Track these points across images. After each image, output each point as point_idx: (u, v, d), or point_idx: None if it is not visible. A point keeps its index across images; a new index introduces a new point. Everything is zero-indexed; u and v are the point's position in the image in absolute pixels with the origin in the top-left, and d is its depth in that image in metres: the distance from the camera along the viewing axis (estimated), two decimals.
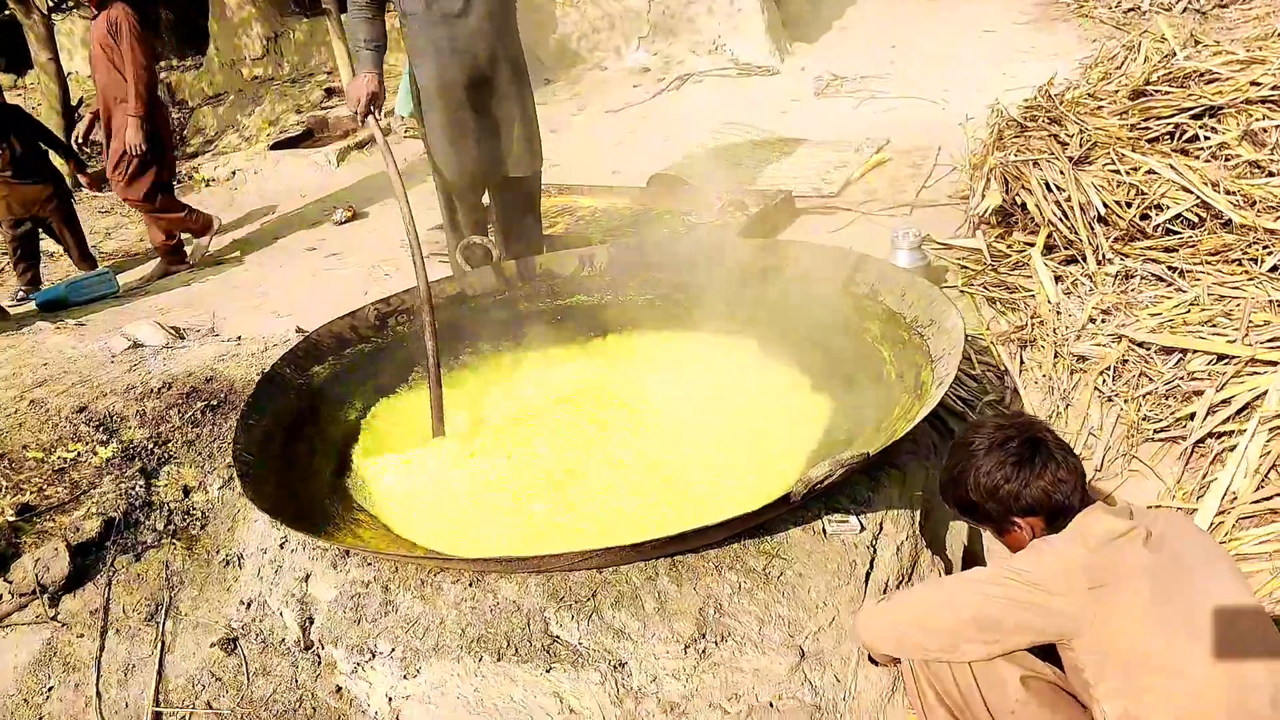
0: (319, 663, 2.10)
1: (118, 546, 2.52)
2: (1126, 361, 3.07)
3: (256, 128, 8.28)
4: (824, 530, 2.14)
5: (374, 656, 2.02)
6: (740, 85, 7.37)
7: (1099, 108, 4.15)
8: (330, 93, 8.37)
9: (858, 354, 2.85)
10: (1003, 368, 3.23)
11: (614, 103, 7.42)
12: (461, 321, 3.34)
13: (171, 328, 3.85)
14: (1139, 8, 7.58)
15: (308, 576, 2.20)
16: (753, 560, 2.06)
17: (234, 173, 6.91)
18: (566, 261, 3.56)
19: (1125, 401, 2.96)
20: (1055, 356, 3.20)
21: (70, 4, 8.21)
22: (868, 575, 2.08)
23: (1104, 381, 3.05)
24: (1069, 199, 3.64)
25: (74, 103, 7.90)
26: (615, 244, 3.67)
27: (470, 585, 2.07)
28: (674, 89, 7.55)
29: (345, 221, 5.65)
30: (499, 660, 1.92)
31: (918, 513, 2.30)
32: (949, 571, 2.30)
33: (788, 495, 1.94)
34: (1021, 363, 3.26)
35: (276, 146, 7.09)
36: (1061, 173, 3.70)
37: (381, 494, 2.63)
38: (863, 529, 2.15)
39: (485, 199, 4.00)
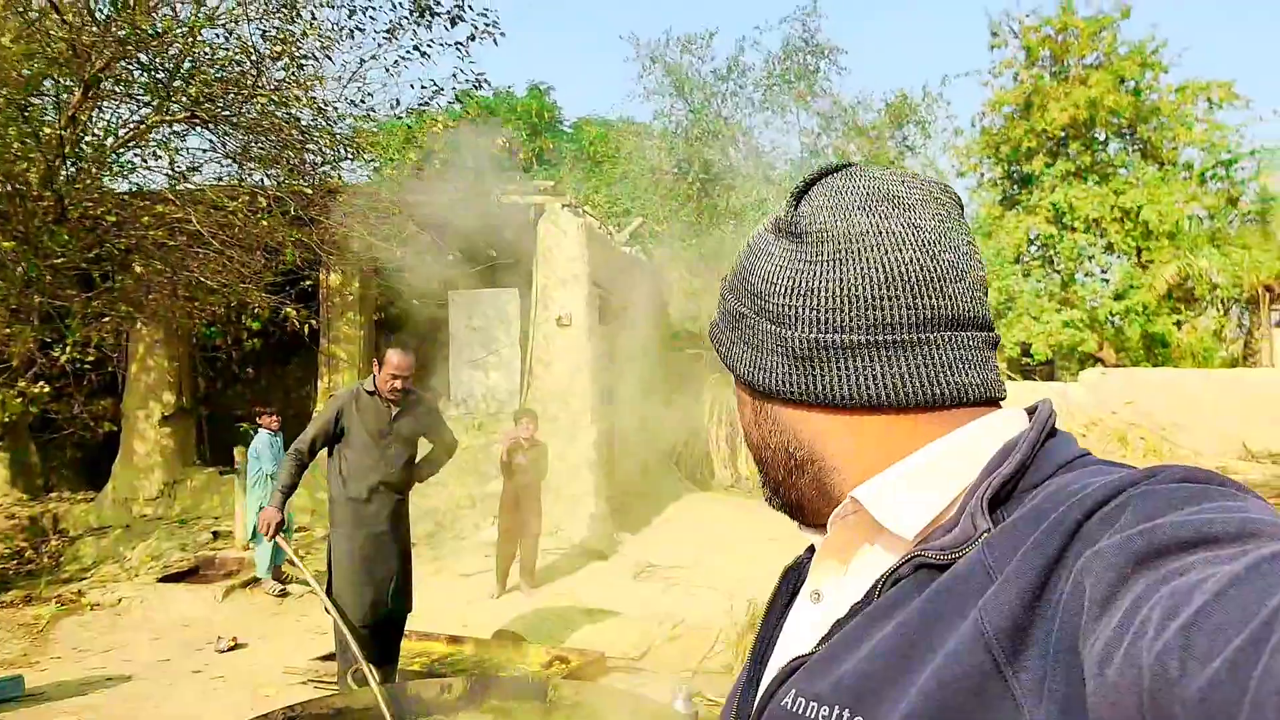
0: None
1: None
2: None
3: (139, 560, 9.19)
4: None
5: None
6: (573, 564, 8.98)
7: None
8: (216, 535, 9.50)
9: None
10: None
11: (468, 568, 8.83)
12: None
13: None
14: None
15: None
16: None
17: (120, 599, 7.74)
18: (430, 686, 4.72)
19: None
20: None
21: None
22: None
23: None
24: None
25: None
26: (470, 677, 4.86)
27: None
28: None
29: (228, 650, 6.54)
30: None
31: None
32: None
33: None
34: None
35: (166, 580, 8.03)
36: None
37: None
38: None
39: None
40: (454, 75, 9.16)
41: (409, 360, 5.06)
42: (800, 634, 0.78)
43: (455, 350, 10.31)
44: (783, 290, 0.77)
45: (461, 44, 8.82)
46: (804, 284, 0.76)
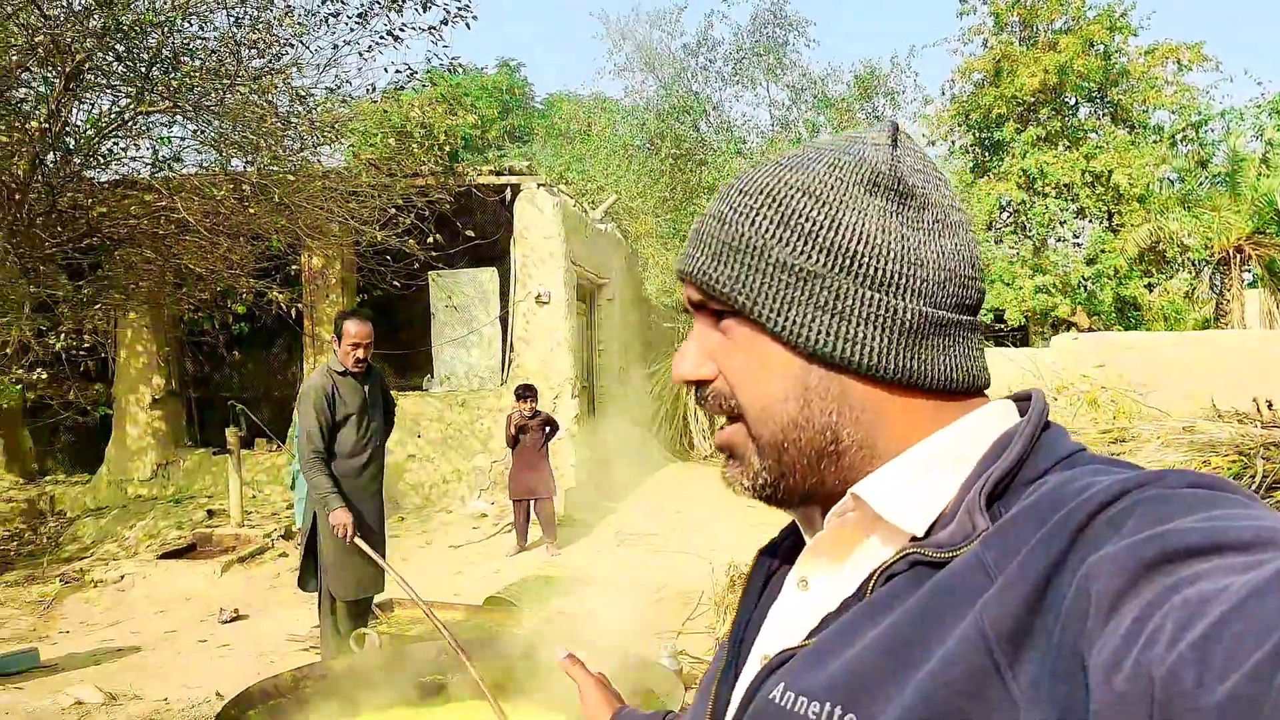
0: None
1: None
2: None
3: (137, 539, 9.44)
4: None
5: None
6: (558, 534, 9.30)
7: None
8: (211, 513, 9.75)
9: None
10: None
11: (456, 540, 9.13)
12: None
13: (104, 691, 4.93)
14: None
15: None
16: None
17: (122, 576, 8.00)
18: (427, 649, 5.02)
19: None
20: None
21: None
22: None
23: None
24: None
25: None
26: (465, 641, 5.16)
27: None
28: (506, 532, 9.38)
29: (230, 620, 6.83)
30: None
31: None
32: None
33: None
34: None
35: (165, 557, 8.30)
36: None
37: None
38: None
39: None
40: (427, 60, 9.33)
41: (367, 327, 4.97)
42: (787, 622, 0.76)
43: (436, 329, 10.54)
44: (891, 254, 0.70)
45: (435, 28, 8.99)
46: (912, 251, 0.70)
